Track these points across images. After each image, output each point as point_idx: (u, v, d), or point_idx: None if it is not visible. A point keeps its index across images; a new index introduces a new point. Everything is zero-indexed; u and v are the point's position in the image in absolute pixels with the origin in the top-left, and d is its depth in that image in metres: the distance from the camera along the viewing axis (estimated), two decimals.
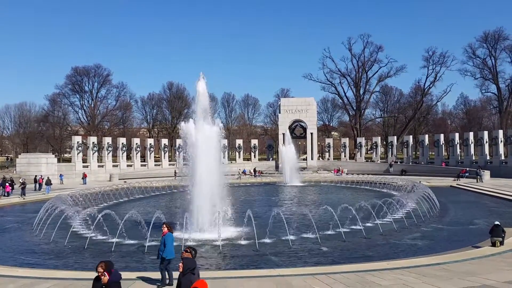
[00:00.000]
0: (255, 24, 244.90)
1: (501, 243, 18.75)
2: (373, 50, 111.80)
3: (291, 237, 21.35)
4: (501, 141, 69.10)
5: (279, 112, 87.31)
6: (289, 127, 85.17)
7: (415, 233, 24.00)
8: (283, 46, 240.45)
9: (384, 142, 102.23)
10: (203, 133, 24.69)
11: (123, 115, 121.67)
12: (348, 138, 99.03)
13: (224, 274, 14.90)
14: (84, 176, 63.33)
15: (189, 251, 10.46)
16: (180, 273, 9.69)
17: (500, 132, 70.83)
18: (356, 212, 25.00)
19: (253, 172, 76.86)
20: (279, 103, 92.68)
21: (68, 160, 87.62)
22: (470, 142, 74.07)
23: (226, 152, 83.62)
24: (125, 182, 54.83)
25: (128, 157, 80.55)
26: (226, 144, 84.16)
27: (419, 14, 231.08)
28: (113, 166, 73.69)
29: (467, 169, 65.33)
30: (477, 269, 14.59)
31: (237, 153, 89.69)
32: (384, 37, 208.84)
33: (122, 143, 76.70)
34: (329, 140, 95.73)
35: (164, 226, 14.36)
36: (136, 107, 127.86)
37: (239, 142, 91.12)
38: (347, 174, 73.81)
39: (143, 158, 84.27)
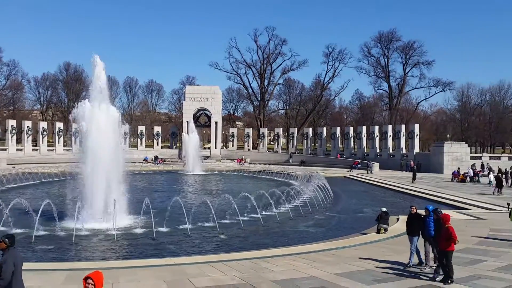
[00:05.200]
0: (162, 9, 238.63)
1: (385, 230, 20.25)
2: (277, 43, 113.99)
3: (190, 226, 21.27)
4: (390, 136, 74.57)
5: (184, 100, 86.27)
6: (194, 115, 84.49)
7: (310, 221, 25.13)
8: (189, 33, 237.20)
9: (286, 133, 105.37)
10: (99, 117, 23.61)
11: (14, 96, 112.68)
12: (252, 128, 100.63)
13: (117, 264, 14.48)
14: None
15: (1, 240, 8.80)
16: None
17: (389, 127, 76.45)
18: (255, 200, 25.55)
19: (154, 160, 75.20)
20: (184, 90, 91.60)
21: None
22: (363, 136, 78.90)
23: (127, 139, 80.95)
24: (14, 167, 50.91)
25: (19, 141, 74.84)
26: (128, 130, 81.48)
27: (322, 10, 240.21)
28: (1, 150, 68.07)
29: (359, 161, 69.68)
30: (362, 254, 15.63)
31: (139, 140, 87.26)
32: (288, 31, 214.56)
33: (12, 126, 71.08)
34: (233, 130, 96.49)
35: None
36: (28, 88, 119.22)
37: (141, 128, 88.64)
38: (249, 163, 75.16)
39: (35, 142, 78.81)
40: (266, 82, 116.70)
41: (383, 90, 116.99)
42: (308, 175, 45.72)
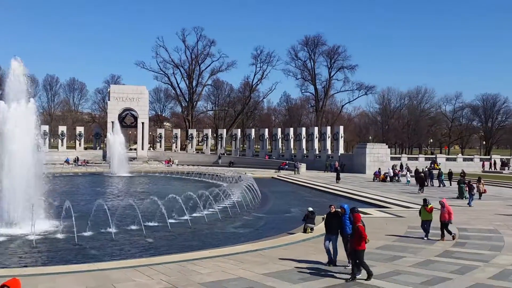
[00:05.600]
0: (85, 3, 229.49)
1: (312, 229, 20.70)
2: (206, 43, 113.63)
3: (114, 230, 20.53)
4: (316, 137, 76.78)
5: (109, 99, 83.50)
6: (119, 116, 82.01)
7: (238, 222, 25.18)
8: (115, 30, 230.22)
9: (215, 135, 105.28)
10: (15, 118, 22.23)
11: None
12: (180, 129, 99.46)
13: (35, 271, 13.64)
14: None
15: None
16: None
17: (316, 129, 78.69)
18: (183, 202, 25.19)
19: (75, 162, 71.81)
20: (109, 89, 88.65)
21: None
22: (291, 137, 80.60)
23: (47, 139, 76.98)
24: None
25: None
26: (47, 131, 77.49)
27: (250, 13, 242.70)
28: None
29: (287, 161, 70.99)
30: (289, 253, 15.87)
31: (59, 141, 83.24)
32: (217, 32, 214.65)
33: None
34: (161, 131, 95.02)
35: None
36: None
37: (62, 129, 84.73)
38: (177, 165, 74.21)
39: None
40: (194, 83, 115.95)
41: (310, 92, 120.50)
42: (237, 176, 45.92)
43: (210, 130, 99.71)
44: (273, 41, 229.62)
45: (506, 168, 63.84)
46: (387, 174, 50.80)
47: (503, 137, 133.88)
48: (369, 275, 12.41)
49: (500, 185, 44.17)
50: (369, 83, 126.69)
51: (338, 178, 48.23)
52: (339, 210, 14.42)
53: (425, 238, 18.45)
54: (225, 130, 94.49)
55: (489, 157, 75.28)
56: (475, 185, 31.58)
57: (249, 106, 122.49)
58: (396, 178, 50.44)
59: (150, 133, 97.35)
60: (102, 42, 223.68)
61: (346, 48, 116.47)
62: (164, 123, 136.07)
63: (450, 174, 45.94)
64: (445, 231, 18.34)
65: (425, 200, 19.24)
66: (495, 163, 66.59)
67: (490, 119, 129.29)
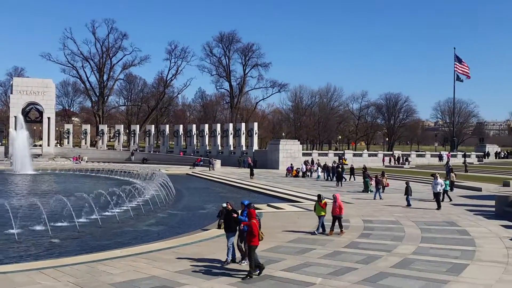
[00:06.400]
0: None
1: None
2: (117, 36, 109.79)
3: (17, 230, 19.30)
4: (231, 134, 77.30)
5: (11, 93, 78.15)
6: (23, 110, 76.90)
7: (151, 219, 24.74)
8: (18, 20, 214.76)
9: (127, 131, 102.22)
10: None
11: None
12: (90, 125, 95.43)
13: None
14: None
15: None
16: None
17: (231, 125, 79.20)
18: (93, 201, 24.24)
19: None
20: (11, 82, 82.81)
21: None
22: (205, 134, 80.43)
23: None
24: None
25: None
26: None
27: (164, 7, 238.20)
28: None
29: (202, 158, 70.84)
30: (203, 250, 15.88)
31: None
32: (130, 26, 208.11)
33: None
34: (69, 126, 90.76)
35: None
36: None
37: None
38: (87, 162, 71.24)
39: None
40: (105, 77, 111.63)
41: (225, 89, 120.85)
42: (150, 173, 45.03)
43: (122, 125, 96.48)
44: (188, 37, 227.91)
45: (407, 162, 68.46)
46: (299, 170, 52.42)
47: (404, 134, 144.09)
48: (250, 272, 12.23)
49: (401, 179, 47.26)
50: (282, 81, 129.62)
51: (252, 173, 48.97)
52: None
53: (317, 233, 18.60)
54: (138, 126, 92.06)
55: (391, 152, 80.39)
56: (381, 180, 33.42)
57: (163, 101, 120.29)
58: (308, 173, 52.21)
59: (57, 128, 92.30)
60: (4, 32, 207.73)
61: (260, 46, 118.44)
62: (73, 118, 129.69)
63: (352, 169, 48.04)
64: (337, 224, 18.64)
65: (319, 196, 19.49)
66: (399, 158, 71.18)
67: (393, 117, 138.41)
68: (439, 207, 25.69)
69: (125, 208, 26.84)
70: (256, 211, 25.08)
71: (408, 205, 26.89)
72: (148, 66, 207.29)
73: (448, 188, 30.06)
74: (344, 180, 42.24)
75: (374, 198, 30.58)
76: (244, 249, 13.66)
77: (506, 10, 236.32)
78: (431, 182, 28.84)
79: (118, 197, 27.81)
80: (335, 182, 41.26)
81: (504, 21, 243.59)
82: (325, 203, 19.08)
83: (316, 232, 18.74)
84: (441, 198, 27.07)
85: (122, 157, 78.30)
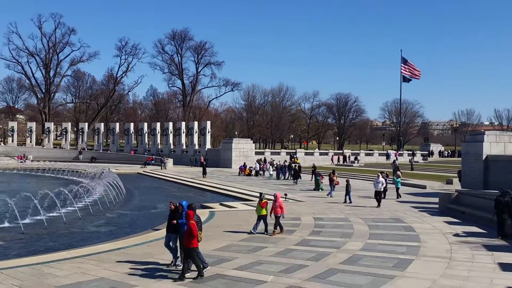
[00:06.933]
0: None
1: None
2: (65, 31, 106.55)
3: None
4: (184, 132, 76.63)
5: None
6: None
7: (100, 220, 24.11)
8: None
9: (75, 129, 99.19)
10: None
11: None
12: (35, 123, 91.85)
13: None
14: None
15: None
16: None
17: (183, 124, 78.56)
18: (38, 201, 23.34)
19: None
20: None
21: None
22: (157, 132, 79.28)
23: None
24: None
25: None
26: None
27: (115, 2, 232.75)
28: None
29: (153, 156, 69.80)
30: (154, 250, 15.64)
31: None
32: (79, 22, 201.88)
33: None
34: (13, 124, 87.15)
35: None
36: None
37: None
38: (32, 161, 68.69)
39: None
40: (52, 73, 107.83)
41: (177, 87, 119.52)
42: (99, 172, 43.93)
43: (70, 123, 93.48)
44: (139, 34, 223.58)
45: (356, 161, 70.20)
46: (252, 168, 52.64)
47: (353, 133, 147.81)
48: (200, 273, 12.13)
49: (351, 177, 48.47)
50: (235, 79, 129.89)
51: (204, 172, 48.71)
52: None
53: (254, 232, 18.29)
54: (86, 124, 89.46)
55: (341, 151, 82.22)
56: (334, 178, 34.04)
57: (113, 99, 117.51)
58: (261, 172, 52.53)
59: (1, 126, 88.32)
60: None
61: (213, 44, 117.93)
62: (17, 116, 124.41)
63: (299, 168, 48.58)
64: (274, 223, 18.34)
65: (260, 194, 19.13)
66: (349, 157, 72.86)
67: (343, 116, 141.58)
68: (378, 205, 26.54)
69: (72, 208, 26.01)
70: (208, 210, 25.17)
71: (350, 202, 27.91)
72: (97, 62, 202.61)
73: (399, 185, 31.44)
74: (296, 178, 42.82)
75: (330, 196, 31.20)
76: (180, 252, 13.11)
77: (452, 11, 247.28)
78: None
79: (65, 197, 26.93)
80: (293, 181, 41.96)
81: (451, 21, 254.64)
82: (266, 202, 18.51)
83: (253, 232, 18.29)
84: (382, 196, 28.07)
85: (70, 156, 75.96)
